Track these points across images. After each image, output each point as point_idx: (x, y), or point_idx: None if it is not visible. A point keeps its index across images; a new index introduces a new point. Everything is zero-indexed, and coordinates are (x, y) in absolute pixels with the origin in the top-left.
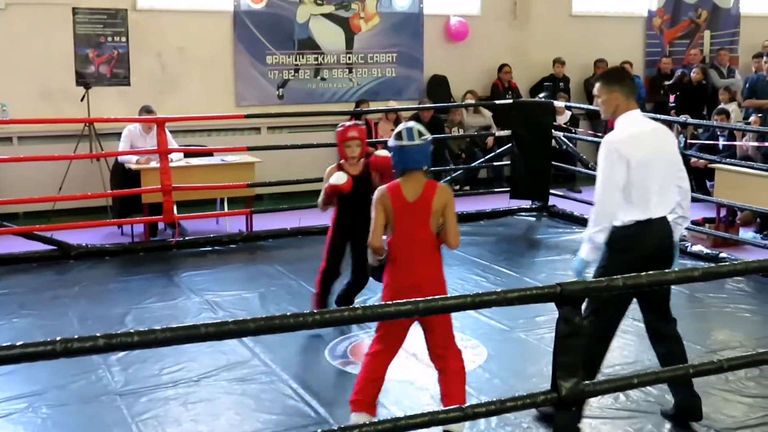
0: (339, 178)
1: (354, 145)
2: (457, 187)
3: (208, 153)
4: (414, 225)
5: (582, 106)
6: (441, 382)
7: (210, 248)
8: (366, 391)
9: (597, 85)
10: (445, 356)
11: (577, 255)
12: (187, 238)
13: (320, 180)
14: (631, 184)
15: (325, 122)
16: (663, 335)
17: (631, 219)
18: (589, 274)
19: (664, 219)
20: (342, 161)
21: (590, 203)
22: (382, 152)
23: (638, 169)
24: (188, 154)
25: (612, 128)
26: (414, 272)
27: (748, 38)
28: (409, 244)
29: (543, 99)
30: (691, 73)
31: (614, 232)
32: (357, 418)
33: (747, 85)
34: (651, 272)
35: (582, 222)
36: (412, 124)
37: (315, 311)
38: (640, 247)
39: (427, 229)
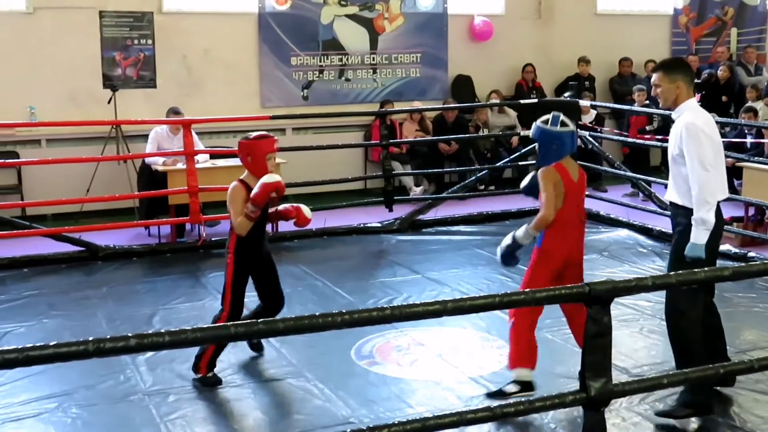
0: (273, 177)
1: (274, 158)
2: (482, 187)
3: (234, 154)
4: (578, 202)
5: (607, 105)
6: None
7: None
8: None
9: (657, 74)
10: None
11: (690, 241)
12: (213, 239)
13: (346, 180)
14: (716, 164)
15: (350, 123)
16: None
17: (718, 198)
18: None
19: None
20: (245, 178)
21: (617, 203)
22: (306, 211)
23: (717, 151)
24: (214, 156)
25: (643, 126)
26: (574, 243)
27: None
28: (573, 219)
29: (568, 98)
30: (718, 71)
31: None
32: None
33: (767, 84)
34: (680, 272)
35: (609, 222)
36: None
37: (345, 311)
38: (721, 225)
39: (583, 207)
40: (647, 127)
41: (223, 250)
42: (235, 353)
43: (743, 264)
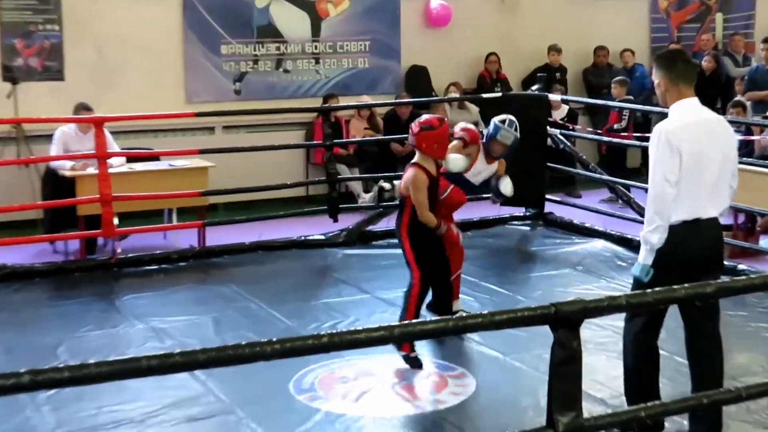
0: (459, 159)
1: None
2: None
3: (154, 157)
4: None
5: (581, 99)
6: None
7: (156, 267)
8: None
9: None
10: None
11: (637, 261)
12: (129, 255)
13: (285, 186)
14: (683, 179)
15: (289, 120)
16: (697, 349)
17: (678, 218)
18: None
19: (714, 220)
20: (421, 162)
21: (592, 210)
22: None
23: (690, 161)
24: (131, 159)
25: (611, 125)
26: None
27: (766, 21)
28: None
29: (536, 92)
30: (702, 62)
31: None
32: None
33: (747, 77)
34: (658, 289)
35: (584, 231)
36: None
37: (276, 339)
38: (685, 250)
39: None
40: (615, 126)
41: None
42: (153, 389)
43: (728, 279)
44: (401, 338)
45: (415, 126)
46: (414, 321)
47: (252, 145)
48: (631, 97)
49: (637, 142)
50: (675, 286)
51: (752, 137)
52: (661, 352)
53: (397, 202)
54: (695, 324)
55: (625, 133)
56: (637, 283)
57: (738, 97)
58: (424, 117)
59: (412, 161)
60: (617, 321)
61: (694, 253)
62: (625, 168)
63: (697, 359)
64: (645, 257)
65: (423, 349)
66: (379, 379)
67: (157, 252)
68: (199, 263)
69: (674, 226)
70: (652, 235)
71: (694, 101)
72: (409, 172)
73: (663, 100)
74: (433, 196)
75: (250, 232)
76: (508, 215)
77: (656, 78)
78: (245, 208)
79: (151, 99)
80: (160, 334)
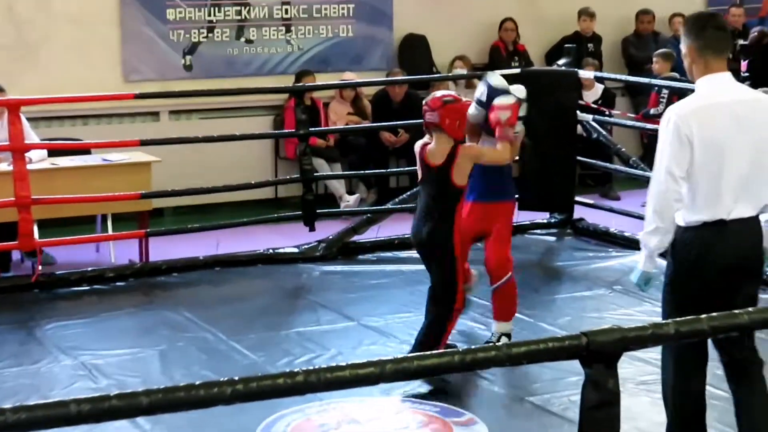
0: (505, 100)
1: None
2: None
3: (84, 150)
4: None
5: (619, 77)
6: None
7: (87, 287)
8: None
9: None
10: None
11: (636, 265)
12: (53, 273)
13: (248, 186)
14: (698, 173)
15: (254, 103)
16: (740, 375)
17: (698, 219)
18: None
19: (747, 222)
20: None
21: (633, 215)
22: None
23: (706, 152)
24: (54, 152)
25: (648, 109)
26: None
27: None
28: None
29: (564, 67)
30: None
31: (678, 236)
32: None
33: None
34: (714, 315)
35: (622, 242)
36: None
37: (238, 378)
38: (709, 257)
39: None
40: (651, 111)
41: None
42: None
43: None
44: (395, 376)
45: (434, 100)
46: (412, 355)
47: (207, 134)
48: (677, 75)
49: None
50: (737, 311)
51: None
52: (718, 392)
53: (387, 205)
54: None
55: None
56: (663, 301)
57: None
58: (440, 92)
59: (434, 143)
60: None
61: (720, 260)
62: None
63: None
64: (644, 263)
65: (422, 388)
66: (366, 427)
67: (89, 269)
68: (141, 283)
69: (694, 229)
70: (650, 237)
71: (724, 77)
72: (469, 148)
73: (690, 73)
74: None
75: (205, 243)
76: (528, 222)
77: (683, 47)
78: (199, 214)
79: (79, 77)
80: (93, 371)
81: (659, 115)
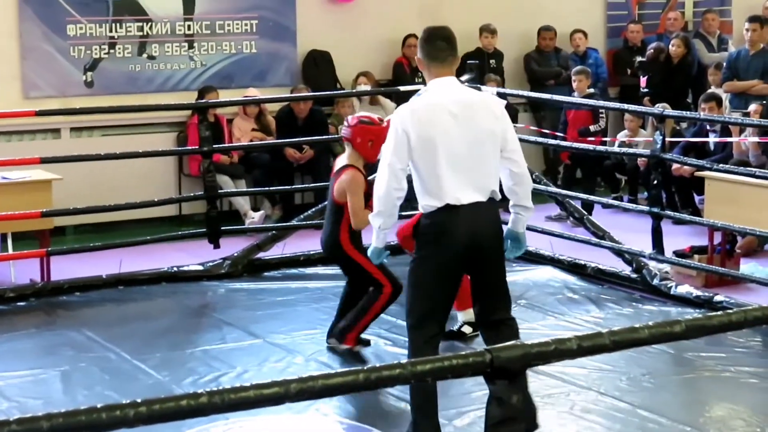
0: None
1: None
2: None
3: None
4: None
5: (522, 93)
6: None
7: None
8: None
9: None
10: None
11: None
12: None
13: (152, 204)
14: (419, 164)
15: (156, 120)
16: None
17: (430, 205)
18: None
19: (478, 206)
20: (353, 162)
21: (536, 230)
22: None
23: (422, 146)
24: None
25: (585, 126)
26: None
27: None
28: None
29: (466, 83)
30: (670, 46)
31: (421, 220)
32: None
33: (726, 63)
34: (616, 329)
35: (526, 257)
36: None
37: (141, 401)
38: (444, 237)
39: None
40: (591, 127)
41: (330, 251)
42: None
43: (699, 315)
44: (299, 395)
45: (353, 118)
46: (316, 375)
47: (109, 151)
48: (594, 91)
49: (603, 148)
50: (637, 325)
51: (729, 139)
52: (621, 404)
53: (292, 222)
54: (487, 313)
55: (593, 138)
56: (408, 274)
57: (712, 89)
58: (364, 113)
59: (343, 165)
60: (569, 368)
61: (455, 240)
62: (593, 179)
63: (488, 340)
64: (375, 241)
65: (328, 405)
66: None
67: None
68: (43, 303)
69: (430, 214)
70: (374, 219)
71: (446, 80)
72: (345, 176)
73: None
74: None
75: (108, 262)
76: None
77: (417, 57)
78: (101, 232)
79: None
80: None
81: (599, 132)
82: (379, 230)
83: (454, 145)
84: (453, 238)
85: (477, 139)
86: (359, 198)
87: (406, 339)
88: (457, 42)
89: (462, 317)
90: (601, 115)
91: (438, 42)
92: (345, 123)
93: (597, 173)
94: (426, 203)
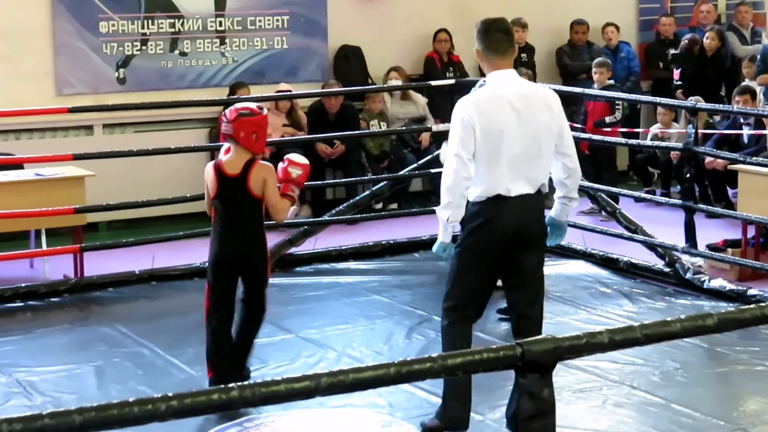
0: (301, 158)
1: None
2: (380, 206)
3: (16, 164)
4: None
5: (553, 86)
6: None
7: (21, 303)
8: None
9: None
10: None
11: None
12: None
13: (184, 200)
14: (480, 155)
15: (188, 116)
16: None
17: (481, 195)
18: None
19: (525, 198)
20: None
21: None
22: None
23: (486, 138)
24: None
25: (601, 118)
26: None
27: None
28: None
29: None
30: (704, 39)
31: (468, 209)
32: None
33: (760, 55)
34: (648, 323)
35: (558, 251)
36: None
37: (172, 394)
38: (490, 225)
39: None
40: (607, 118)
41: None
42: None
43: (733, 309)
44: (330, 389)
45: (230, 112)
46: (347, 368)
47: (141, 147)
48: (614, 83)
49: (623, 141)
50: (669, 319)
51: (763, 131)
52: (654, 399)
53: (323, 217)
54: (520, 307)
55: (610, 129)
56: (453, 259)
57: (746, 82)
58: (241, 104)
59: (236, 158)
60: (601, 362)
61: (500, 230)
62: (613, 171)
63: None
64: (442, 235)
65: (360, 398)
66: None
67: (22, 285)
68: (76, 298)
69: (479, 203)
70: (443, 211)
71: (507, 73)
72: (260, 171)
73: (483, 71)
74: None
75: (141, 257)
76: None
77: (475, 48)
78: (134, 228)
79: (11, 91)
80: (28, 388)
81: (615, 124)
82: (447, 223)
83: (515, 138)
84: (498, 228)
85: (536, 134)
86: (276, 190)
87: (438, 334)
88: (514, 34)
89: None
90: (617, 107)
91: (497, 34)
92: (224, 119)
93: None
94: (477, 192)
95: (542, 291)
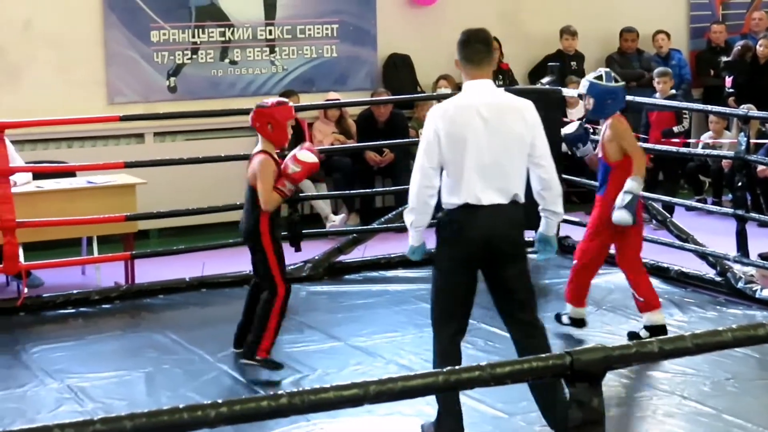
0: (308, 156)
1: (290, 126)
2: None
3: (68, 172)
4: None
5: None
6: None
7: (73, 310)
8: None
9: None
10: None
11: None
12: (39, 296)
13: (234, 208)
14: (447, 163)
15: (238, 124)
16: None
17: (452, 203)
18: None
19: (498, 207)
20: (264, 148)
21: None
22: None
23: (451, 146)
24: (39, 175)
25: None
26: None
27: None
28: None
29: (547, 86)
30: (757, 46)
31: (442, 216)
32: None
33: None
34: (698, 333)
35: (609, 260)
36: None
37: (222, 401)
38: (462, 234)
39: None
40: (675, 128)
41: (248, 238)
42: None
43: None
44: (379, 397)
45: (259, 103)
46: (395, 376)
47: (191, 156)
48: (676, 92)
49: (675, 149)
50: (720, 328)
51: None
52: (705, 409)
53: (372, 225)
54: (510, 314)
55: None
56: (433, 268)
57: None
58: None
59: (255, 151)
60: (652, 371)
61: (470, 238)
62: (677, 182)
63: (517, 341)
64: (411, 238)
65: (409, 407)
66: None
67: (74, 292)
68: (127, 305)
69: (452, 211)
70: (407, 215)
71: (481, 83)
72: (254, 160)
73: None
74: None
75: (191, 265)
76: None
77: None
78: (184, 235)
79: (63, 99)
80: (79, 394)
81: (682, 133)
82: (412, 227)
83: (482, 147)
84: (469, 236)
85: (504, 143)
86: (266, 181)
87: (486, 342)
88: (493, 45)
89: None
90: (684, 116)
91: (476, 45)
92: None
93: (680, 175)
94: (447, 200)
95: (531, 299)
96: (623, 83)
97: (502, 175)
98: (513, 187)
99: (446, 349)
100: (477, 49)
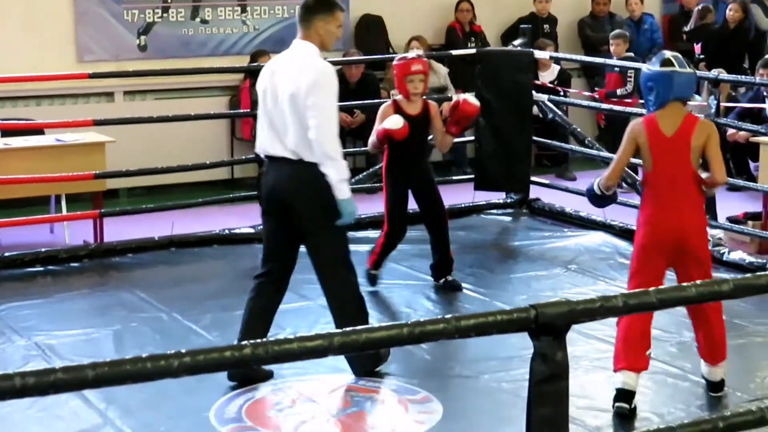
0: (395, 122)
1: (417, 80)
2: None
3: (37, 130)
4: (672, 163)
5: (575, 57)
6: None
7: (41, 268)
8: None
9: None
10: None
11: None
12: (6, 254)
13: (204, 167)
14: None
15: (209, 83)
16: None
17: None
18: None
19: (282, 161)
20: (399, 98)
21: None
22: (472, 99)
23: (259, 99)
24: (7, 132)
25: (612, 89)
26: (676, 214)
27: None
28: (669, 183)
29: (519, 48)
30: (727, 11)
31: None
32: (625, 377)
33: None
34: (663, 288)
35: (578, 222)
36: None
37: (185, 351)
38: (261, 183)
39: (688, 167)
40: (618, 90)
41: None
42: (38, 420)
43: (750, 275)
44: (343, 348)
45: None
46: (360, 327)
47: (161, 114)
48: (632, 54)
49: (642, 110)
50: (685, 284)
51: None
52: (672, 369)
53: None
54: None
55: (629, 100)
56: None
57: None
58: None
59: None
60: None
61: (264, 186)
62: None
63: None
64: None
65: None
66: (323, 406)
67: (42, 250)
68: (96, 264)
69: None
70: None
71: (294, 42)
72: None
73: None
74: (415, 137)
75: (160, 224)
76: (484, 202)
77: None
78: (153, 194)
79: (33, 57)
80: (47, 351)
81: (626, 96)
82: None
83: (268, 101)
84: (264, 184)
85: (283, 101)
86: (378, 123)
87: (453, 300)
88: (315, 9)
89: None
90: (629, 78)
91: (299, 9)
92: None
93: None
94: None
95: (337, 269)
96: (676, 67)
97: (285, 131)
98: (295, 146)
99: (258, 294)
100: (298, 11)
